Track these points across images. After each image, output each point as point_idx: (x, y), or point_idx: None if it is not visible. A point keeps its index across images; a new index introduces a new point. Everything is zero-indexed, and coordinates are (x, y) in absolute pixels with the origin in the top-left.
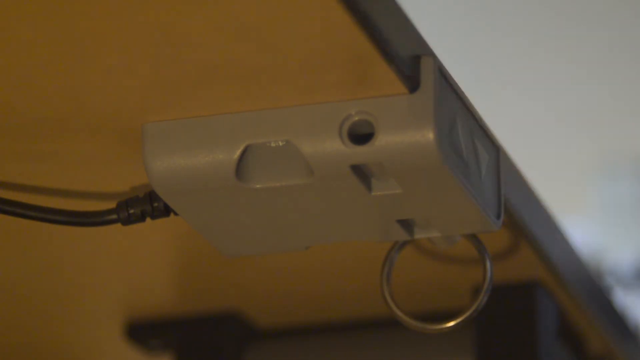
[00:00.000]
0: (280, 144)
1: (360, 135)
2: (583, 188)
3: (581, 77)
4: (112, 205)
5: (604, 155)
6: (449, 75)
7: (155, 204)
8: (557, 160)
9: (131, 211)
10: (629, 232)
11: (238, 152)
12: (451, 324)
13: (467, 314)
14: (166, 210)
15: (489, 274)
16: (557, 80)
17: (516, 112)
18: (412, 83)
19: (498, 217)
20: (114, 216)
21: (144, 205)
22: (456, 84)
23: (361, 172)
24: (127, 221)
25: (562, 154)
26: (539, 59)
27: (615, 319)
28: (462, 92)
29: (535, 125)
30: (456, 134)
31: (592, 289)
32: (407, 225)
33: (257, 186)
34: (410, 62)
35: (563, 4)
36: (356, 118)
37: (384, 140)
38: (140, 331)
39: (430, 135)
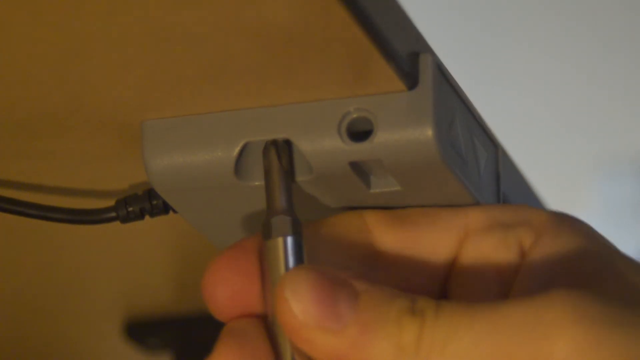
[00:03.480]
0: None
1: (359, 133)
2: (583, 188)
3: (581, 77)
4: (111, 203)
5: (604, 155)
6: (448, 72)
7: (154, 202)
8: (557, 160)
9: (130, 209)
10: (629, 232)
11: (237, 150)
12: None
13: None
14: (165, 208)
15: None
16: (557, 80)
17: (516, 111)
18: (411, 80)
19: None
20: (113, 214)
21: (142, 203)
22: (455, 81)
23: (360, 170)
24: (126, 219)
25: (562, 154)
26: (538, 58)
27: None
28: (461, 90)
29: (535, 124)
30: (455, 131)
31: None
32: None
33: (256, 184)
34: (409, 59)
35: (563, 4)
36: (355, 115)
37: (382, 137)
38: (139, 330)
39: (429, 133)
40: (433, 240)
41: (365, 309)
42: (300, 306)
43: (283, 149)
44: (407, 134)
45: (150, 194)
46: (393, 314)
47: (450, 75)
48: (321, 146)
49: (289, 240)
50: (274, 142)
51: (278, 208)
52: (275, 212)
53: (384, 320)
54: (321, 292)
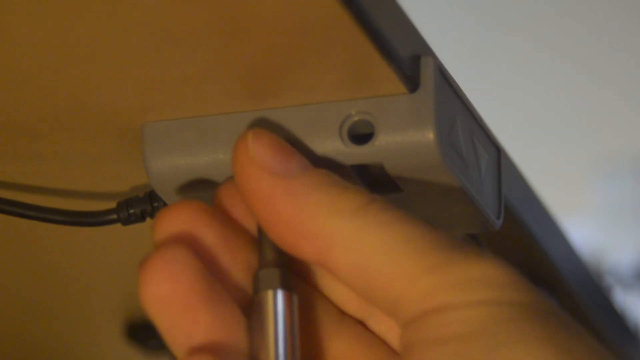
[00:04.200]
0: None
1: (361, 135)
2: (583, 188)
3: (581, 77)
4: (112, 205)
5: (604, 155)
6: (449, 75)
7: (155, 204)
8: (557, 160)
9: (131, 211)
10: (629, 232)
11: None
12: None
13: None
14: None
15: None
16: (557, 80)
17: (516, 112)
18: (412, 83)
19: (498, 217)
20: (114, 216)
21: (144, 205)
22: (456, 83)
23: (361, 172)
24: (127, 221)
25: (562, 154)
26: (538, 59)
27: (615, 319)
28: (462, 92)
29: (535, 125)
30: (456, 134)
31: (592, 289)
32: None
33: None
34: (410, 62)
35: (563, 4)
36: (356, 118)
37: (384, 140)
38: (140, 331)
39: (430, 135)
40: None
41: (313, 174)
42: (256, 148)
43: None
44: (408, 136)
45: (152, 195)
46: (343, 185)
47: (452, 77)
48: (322, 149)
49: (279, 294)
50: None
51: (269, 260)
52: (266, 264)
53: (328, 184)
54: (279, 148)
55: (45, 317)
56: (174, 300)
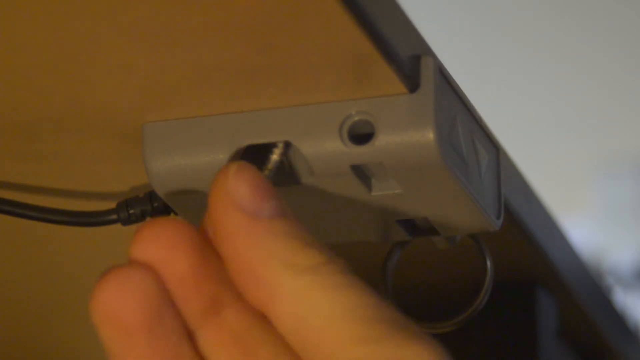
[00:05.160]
0: (280, 144)
1: (361, 135)
2: (583, 188)
3: (581, 77)
4: (112, 205)
5: (604, 155)
6: (449, 75)
7: (155, 204)
8: (557, 160)
9: (131, 211)
10: (629, 232)
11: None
12: (450, 323)
13: (467, 313)
14: (166, 211)
15: (488, 274)
16: (557, 80)
17: (516, 112)
18: (412, 83)
19: (498, 217)
20: (114, 216)
21: (144, 206)
22: (456, 83)
23: (361, 172)
24: (127, 221)
25: (562, 154)
26: (538, 59)
27: (615, 318)
28: (462, 92)
29: (535, 125)
30: (456, 134)
31: (592, 288)
32: (407, 225)
33: None
34: (410, 62)
35: (563, 4)
36: (356, 118)
37: (384, 140)
38: None
39: (430, 135)
40: None
41: (281, 222)
42: (235, 182)
43: None
44: (408, 136)
45: (152, 196)
46: (307, 241)
47: (452, 78)
48: (322, 149)
49: None
50: None
51: None
52: None
53: (291, 236)
54: (258, 187)
55: (46, 317)
56: (114, 319)
